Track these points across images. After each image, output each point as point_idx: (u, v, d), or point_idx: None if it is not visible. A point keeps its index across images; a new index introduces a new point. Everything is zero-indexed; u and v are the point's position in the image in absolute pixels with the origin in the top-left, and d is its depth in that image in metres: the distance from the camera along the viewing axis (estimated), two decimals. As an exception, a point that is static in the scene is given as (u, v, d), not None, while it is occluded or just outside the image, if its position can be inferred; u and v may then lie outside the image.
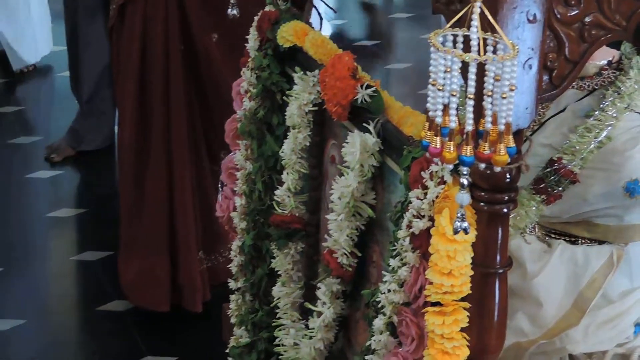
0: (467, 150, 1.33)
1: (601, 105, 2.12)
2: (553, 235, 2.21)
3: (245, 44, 2.39)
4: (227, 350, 2.54)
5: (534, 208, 2.11)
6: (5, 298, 3.56)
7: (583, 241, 2.18)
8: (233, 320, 2.55)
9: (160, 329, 3.29)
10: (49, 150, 4.34)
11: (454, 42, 1.34)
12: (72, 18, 4.40)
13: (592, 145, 2.09)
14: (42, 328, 3.48)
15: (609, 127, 2.11)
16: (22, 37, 5.22)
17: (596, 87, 2.17)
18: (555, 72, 1.57)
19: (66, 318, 3.50)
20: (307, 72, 2.17)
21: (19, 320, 3.42)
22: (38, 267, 3.73)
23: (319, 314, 2.12)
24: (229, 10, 2.44)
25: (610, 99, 2.12)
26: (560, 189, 2.09)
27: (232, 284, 2.53)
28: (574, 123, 2.16)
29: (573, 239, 2.19)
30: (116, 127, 4.28)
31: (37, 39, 5.27)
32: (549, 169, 2.11)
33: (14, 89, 5.02)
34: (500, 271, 1.60)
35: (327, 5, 2.46)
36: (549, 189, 2.10)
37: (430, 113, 1.32)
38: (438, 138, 1.32)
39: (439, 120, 1.31)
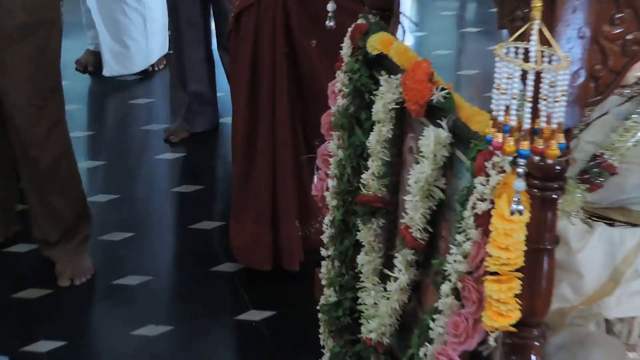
0: (525, 145, 1.37)
1: (638, 110, 2.14)
2: (594, 219, 2.20)
3: (340, 51, 2.44)
4: (317, 307, 2.63)
5: (578, 195, 2.13)
6: (136, 258, 3.68)
7: (619, 224, 2.16)
8: (323, 282, 2.58)
9: (263, 287, 3.43)
10: (167, 133, 4.38)
11: (516, 53, 1.35)
12: (176, 25, 4.36)
13: (630, 143, 2.09)
14: (165, 284, 3.59)
15: None
16: (152, 39, 5.38)
17: (634, 94, 2.16)
18: (600, 81, 1.57)
19: (185, 276, 3.62)
20: (391, 76, 2.18)
21: (146, 276, 3.55)
22: (163, 233, 3.89)
23: (396, 279, 2.16)
24: (327, 22, 2.40)
25: None
26: (601, 179, 2.11)
27: (323, 252, 2.59)
28: (615, 124, 2.15)
29: (611, 222, 2.20)
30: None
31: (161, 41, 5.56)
32: (592, 163, 2.12)
33: (147, 83, 5.01)
34: (549, 247, 1.64)
35: (410, 20, 2.55)
36: (592, 179, 2.12)
37: (494, 113, 1.37)
38: (500, 134, 1.37)
39: (501, 119, 1.36)
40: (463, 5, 6.17)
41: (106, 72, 5.20)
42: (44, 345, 3.10)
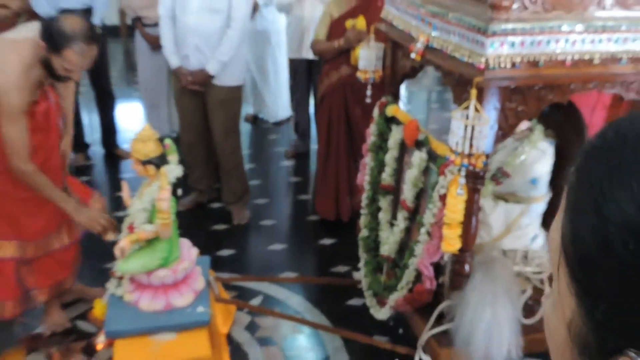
0: (465, 161, 1.72)
1: (521, 145, 2.34)
2: (498, 199, 2.41)
3: (372, 114, 2.65)
4: (358, 238, 2.77)
5: (490, 187, 2.34)
6: (266, 208, 4.07)
7: (511, 202, 2.41)
8: (361, 225, 2.74)
9: (330, 228, 3.76)
10: (285, 152, 4.85)
11: (462, 115, 1.70)
12: (294, 89, 4.74)
13: (517, 161, 2.31)
14: (284, 224, 3.97)
15: (523, 154, 2.31)
16: (278, 98, 5.32)
17: (520, 137, 2.39)
18: (504, 130, 1.86)
19: (296, 223, 3.96)
20: (397, 126, 2.48)
21: (273, 220, 3.93)
22: (282, 202, 4.28)
23: (397, 225, 2.42)
24: (367, 99, 2.67)
25: (526, 142, 2.33)
26: (502, 179, 2.33)
27: (362, 211, 2.72)
28: (509, 151, 2.36)
29: (506, 200, 2.40)
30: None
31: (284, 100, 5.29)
32: (498, 170, 2.33)
33: (277, 127, 5.46)
34: (475, 212, 1.93)
35: (403, 101, 2.81)
36: (497, 179, 2.34)
37: (451, 145, 1.71)
38: (453, 155, 1.73)
39: (454, 148, 1.71)
40: (430, 91, 6.60)
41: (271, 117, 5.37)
42: (225, 252, 3.49)
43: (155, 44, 4.51)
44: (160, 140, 2.16)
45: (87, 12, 4.17)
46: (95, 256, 3.07)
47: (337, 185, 3.64)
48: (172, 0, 3.40)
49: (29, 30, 2.33)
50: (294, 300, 3.09)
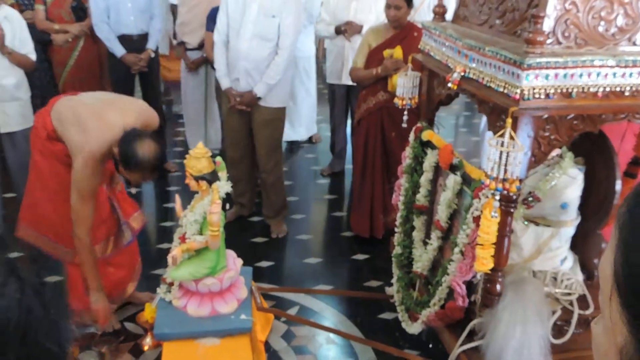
0: (500, 185, 1.72)
1: (552, 171, 2.29)
2: (529, 222, 2.36)
3: (407, 138, 2.66)
4: (391, 256, 2.74)
5: (521, 210, 2.27)
6: (301, 222, 4.09)
7: (541, 225, 2.34)
8: (395, 243, 2.72)
9: (364, 244, 3.77)
10: (321, 171, 4.90)
11: (497, 143, 1.71)
12: (333, 112, 4.78)
13: (548, 187, 2.26)
14: (319, 239, 3.97)
15: (554, 180, 2.26)
16: (306, 119, 5.31)
17: (550, 163, 2.34)
18: (537, 157, 1.85)
19: (331, 239, 3.94)
20: (432, 150, 2.48)
21: (308, 235, 3.92)
22: (318, 218, 4.28)
23: (431, 244, 2.42)
24: (403, 124, 2.67)
25: (556, 168, 2.29)
26: (533, 203, 2.27)
27: (396, 230, 2.70)
28: (541, 177, 2.31)
29: (537, 224, 2.34)
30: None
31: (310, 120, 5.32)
32: (529, 194, 2.27)
33: (313, 147, 5.50)
34: (507, 234, 1.90)
35: (440, 124, 2.71)
36: (529, 203, 2.28)
37: (486, 170, 1.72)
38: (488, 180, 1.73)
39: (489, 173, 1.71)
40: (458, 116, 6.63)
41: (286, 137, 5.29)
42: (263, 264, 3.52)
43: (191, 66, 4.66)
44: (212, 157, 2.20)
45: (142, 38, 4.30)
46: (145, 263, 3.14)
47: (372, 204, 3.67)
48: (227, 28, 3.52)
49: (138, 106, 2.44)
50: (328, 312, 3.11)
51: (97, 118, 2.27)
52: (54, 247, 2.58)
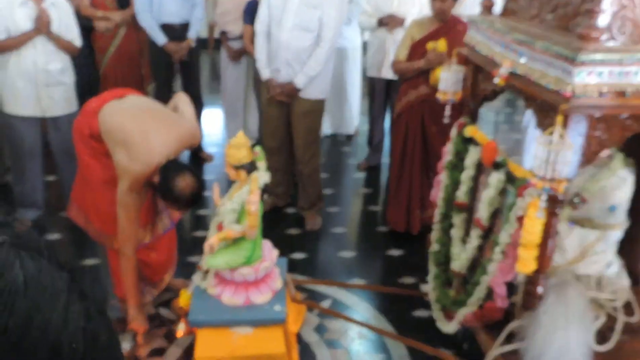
0: (547, 185, 1.70)
1: (601, 170, 2.25)
2: (575, 223, 2.31)
3: (449, 133, 2.65)
4: (428, 252, 2.76)
5: (566, 211, 2.23)
6: (337, 214, 4.14)
7: (586, 227, 2.31)
8: (432, 240, 2.74)
9: (399, 240, 3.75)
10: (358, 165, 4.81)
11: (546, 141, 1.68)
12: (372, 105, 4.76)
13: (596, 187, 2.21)
14: (353, 234, 3.99)
15: (602, 181, 2.21)
16: (350, 112, 5.31)
17: (599, 164, 2.27)
18: (585, 157, 1.82)
19: (365, 233, 3.96)
20: (475, 146, 2.47)
21: (343, 228, 3.97)
22: (353, 211, 4.28)
23: (470, 242, 2.40)
24: (445, 119, 2.68)
25: (605, 169, 2.25)
26: (579, 204, 2.22)
27: (434, 226, 2.72)
28: (588, 177, 2.26)
29: (582, 226, 2.30)
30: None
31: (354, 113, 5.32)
32: (575, 195, 2.22)
33: (351, 140, 5.48)
34: (552, 236, 1.86)
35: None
36: (575, 204, 2.23)
37: (534, 169, 1.70)
38: (535, 179, 1.70)
39: (536, 171, 1.70)
40: (498, 112, 6.49)
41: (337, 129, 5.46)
42: (297, 256, 3.54)
43: (234, 56, 4.70)
44: (252, 147, 2.22)
45: (184, 27, 4.35)
46: (181, 250, 3.16)
47: (409, 199, 3.67)
48: (268, 18, 3.53)
49: (184, 127, 2.50)
50: (361, 307, 3.10)
51: (144, 140, 2.30)
52: (98, 234, 2.67)
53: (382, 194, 4.49)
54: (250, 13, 4.27)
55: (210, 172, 4.73)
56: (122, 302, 2.75)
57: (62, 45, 3.44)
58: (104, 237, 2.64)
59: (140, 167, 2.28)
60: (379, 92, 4.61)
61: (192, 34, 4.37)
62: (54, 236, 3.66)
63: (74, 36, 3.50)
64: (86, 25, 4.24)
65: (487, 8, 2.45)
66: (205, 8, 4.70)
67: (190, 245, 3.53)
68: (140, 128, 2.34)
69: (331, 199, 4.38)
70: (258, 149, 2.23)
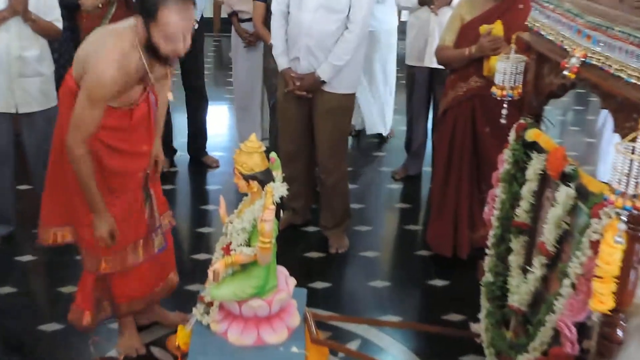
0: (628, 203, 1.69)
1: None
2: None
3: (505, 136, 2.67)
4: (480, 283, 2.76)
5: None
6: (366, 237, 4.14)
7: None
8: (485, 269, 2.72)
9: (443, 266, 3.78)
10: (393, 174, 4.94)
11: (627, 149, 1.68)
12: (410, 100, 4.80)
13: None
14: (387, 258, 4.01)
15: None
16: (384, 109, 5.43)
17: None
18: None
19: (402, 258, 4.02)
20: (539, 153, 2.46)
21: (376, 252, 3.99)
22: (387, 231, 4.37)
23: (532, 272, 2.38)
24: (501, 119, 2.69)
25: None
26: None
27: (488, 252, 2.69)
28: None
29: None
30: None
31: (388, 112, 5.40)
32: None
33: (384, 144, 5.60)
34: (635, 265, 1.86)
35: (549, 121, 2.75)
36: None
37: (611, 183, 1.69)
38: (614, 195, 1.70)
39: (615, 186, 1.69)
40: (566, 110, 6.47)
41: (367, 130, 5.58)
42: (318, 285, 3.55)
43: (250, 41, 4.76)
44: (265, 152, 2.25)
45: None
46: (178, 275, 3.21)
47: (455, 215, 3.69)
48: None
49: (130, 21, 2.53)
50: (396, 349, 3.12)
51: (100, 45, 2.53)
52: (75, 234, 2.77)
53: (423, 209, 4.54)
54: None
55: (215, 181, 4.82)
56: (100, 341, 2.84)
57: (41, 27, 3.50)
58: (91, 256, 2.72)
59: (101, 68, 2.40)
60: (420, 85, 4.66)
61: (196, 15, 4.41)
62: (26, 258, 3.74)
63: (56, 16, 3.57)
64: (69, 3, 4.30)
65: (555, -17, 2.37)
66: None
67: (188, 270, 3.60)
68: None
69: (360, 215, 4.43)
70: (274, 155, 2.26)
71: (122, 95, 2.50)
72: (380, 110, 5.40)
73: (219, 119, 5.82)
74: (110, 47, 2.42)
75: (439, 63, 3.77)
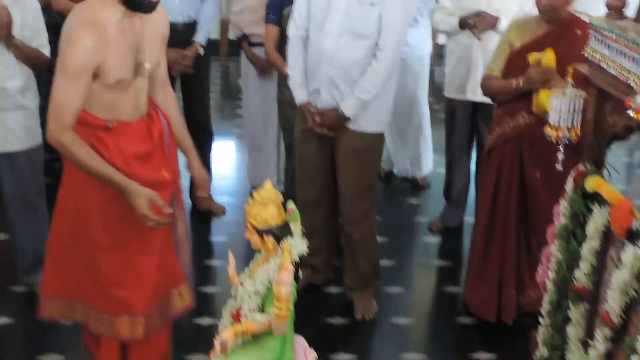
0: None
1: None
2: None
3: (563, 184, 2.71)
4: (533, 358, 2.79)
5: None
6: (399, 305, 4.17)
7: None
8: (539, 341, 2.78)
9: (488, 336, 3.78)
10: (429, 225, 4.97)
11: None
12: (450, 138, 4.87)
13: None
14: (423, 327, 4.09)
15: None
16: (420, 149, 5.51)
17: None
18: None
19: (440, 326, 4.03)
20: (601, 206, 2.51)
21: (409, 318, 4.02)
22: (422, 294, 4.41)
23: (595, 347, 2.42)
24: (557, 165, 2.78)
25: None
26: None
27: (542, 321, 2.76)
28: None
29: None
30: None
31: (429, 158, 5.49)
32: None
33: (419, 189, 5.60)
34: None
35: (613, 168, 2.83)
36: None
37: None
38: None
39: None
40: (632, 150, 6.54)
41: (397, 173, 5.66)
42: (342, 357, 3.63)
43: (265, 67, 4.83)
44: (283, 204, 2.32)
45: (190, 27, 4.58)
46: (176, 343, 3.27)
47: (500, 273, 3.72)
48: (307, 19, 3.63)
49: None
50: None
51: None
52: (86, 314, 2.78)
53: (465, 268, 4.53)
54: (274, 8, 4.41)
55: (221, 232, 4.85)
56: None
57: (26, 55, 3.58)
58: (94, 317, 2.80)
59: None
60: (461, 122, 4.69)
61: (201, 37, 4.56)
62: (2, 320, 3.78)
63: (42, 42, 3.66)
64: (58, 23, 4.39)
65: (616, 9, 2.50)
66: (219, 1, 4.93)
67: (191, 337, 3.64)
68: None
69: (391, 274, 4.43)
70: (292, 205, 2.32)
71: (113, 71, 2.59)
72: (417, 150, 5.47)
73: (226, 158, 5.93)
74: (77, 10, 2.55)
75: (485, 95, 3.84)
